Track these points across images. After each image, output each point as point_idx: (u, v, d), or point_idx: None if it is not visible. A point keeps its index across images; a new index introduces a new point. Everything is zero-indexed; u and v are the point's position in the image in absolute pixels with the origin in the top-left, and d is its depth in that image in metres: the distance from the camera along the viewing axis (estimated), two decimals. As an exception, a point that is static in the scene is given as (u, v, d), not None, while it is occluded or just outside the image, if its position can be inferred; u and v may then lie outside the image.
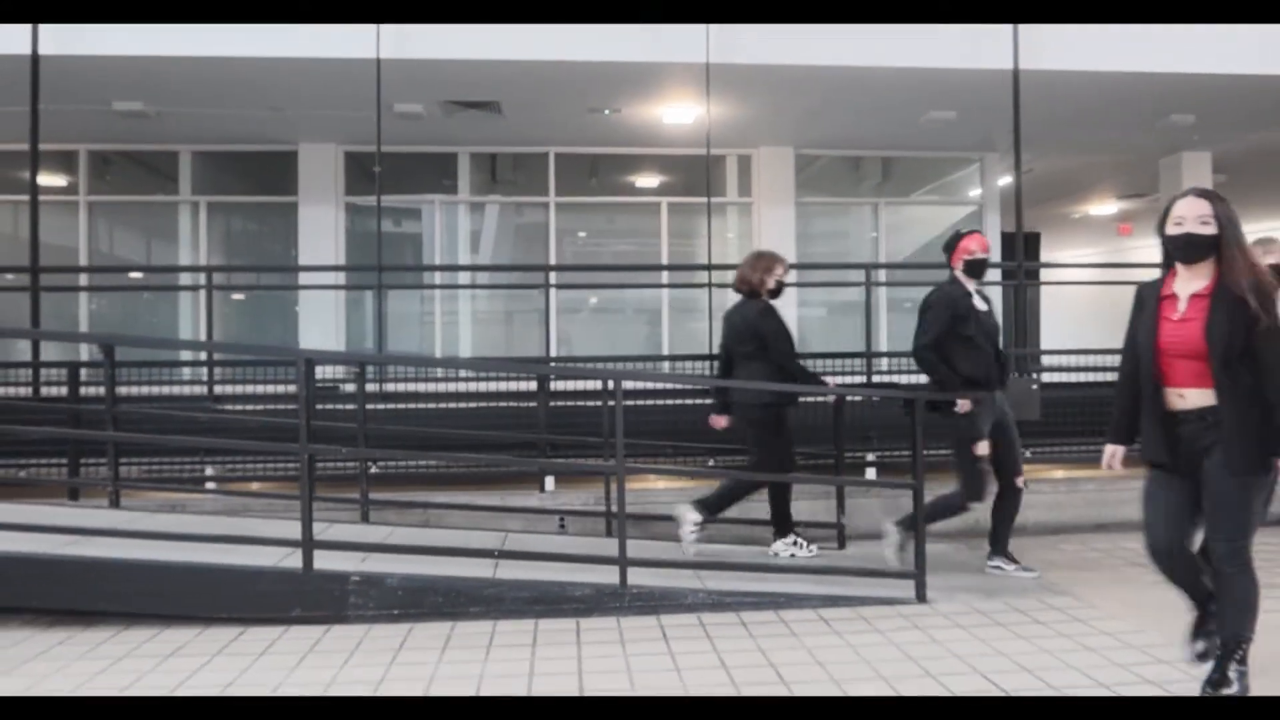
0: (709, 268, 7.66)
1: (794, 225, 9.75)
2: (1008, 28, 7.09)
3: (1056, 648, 3.46)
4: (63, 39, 6.63)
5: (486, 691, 3.09)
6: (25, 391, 6.39)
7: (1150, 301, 2.88)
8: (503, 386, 6.15)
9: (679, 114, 8.30)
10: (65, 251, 9.19)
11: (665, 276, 9.30)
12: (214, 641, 3.60)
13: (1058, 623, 3.76)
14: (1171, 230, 2.81)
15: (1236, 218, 2.83)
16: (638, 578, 3.99)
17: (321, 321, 9.13)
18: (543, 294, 7.17)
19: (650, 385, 6.12)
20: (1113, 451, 3.00)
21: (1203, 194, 2.86)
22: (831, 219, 10.63)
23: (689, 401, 6.22)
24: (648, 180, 10.17)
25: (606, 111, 8.33)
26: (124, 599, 3.77)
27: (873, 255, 10.24)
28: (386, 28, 6.65)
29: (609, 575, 3.95)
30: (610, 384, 4.51)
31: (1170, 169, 10.47)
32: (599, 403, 5.19)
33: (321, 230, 9.15)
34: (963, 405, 4.22)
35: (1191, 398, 2.77)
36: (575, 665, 3.34)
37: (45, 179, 9.29)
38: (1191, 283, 2.83)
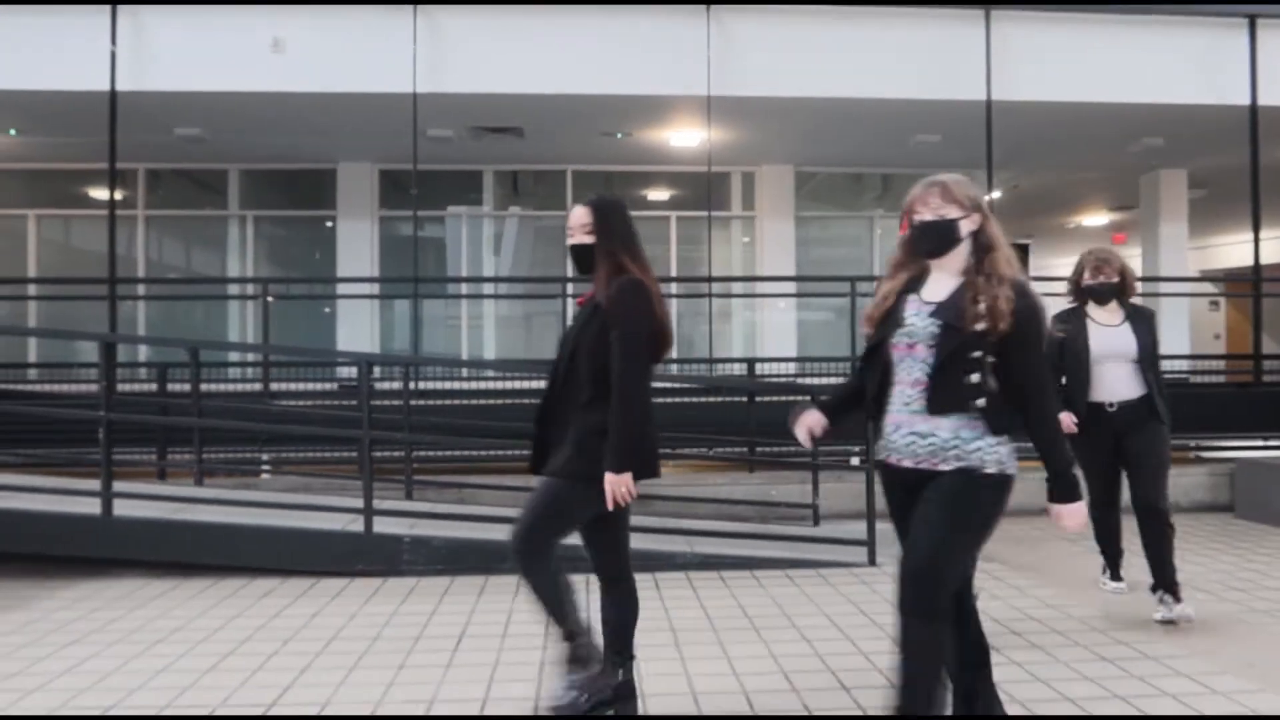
0: (709, 279, 8.54)
1: (793, 237, 10.61)
2: (982, 63, 7.93)
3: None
4: (136, 76, 7.58)
5: (514, 628, 3.97)
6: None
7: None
8: (524, 385, 7.06)
9: (685, 138, 9.18)
10: (124, 261, 10.18)
11: (675, 287, 10.16)
12: (295, 588, 4.52)
13: (980, 578, 4.62)
14: (567, 240, 2.92)
15: (623, 225, 2.83)
16: (639, 543, 4.85)
17: (356, 324, 10.05)
18: (560, 299, 8.09)
19: (654, 384, 6.99)
20: None
21: (586, 203, 2.88)
22: (831, 231, 11.46)
23: (690, 400, 7.18)
24: (658, 195, 11.05)
25: (619, 135, 9.23)
26: (221, 554, 4.70)
27: (869, 266, 11.07)
28: (421, 64, 7.57)
29: (614, 540, 4.83)
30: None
31: (1150, 184, 11.24)
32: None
33: (358, 241, 10.08)
34: None
35: None
36: (585, 610, 4.22)
37: (105, 193, 10.33)
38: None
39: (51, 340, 9.79)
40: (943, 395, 2.32)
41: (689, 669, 3.44)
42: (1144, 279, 10.93)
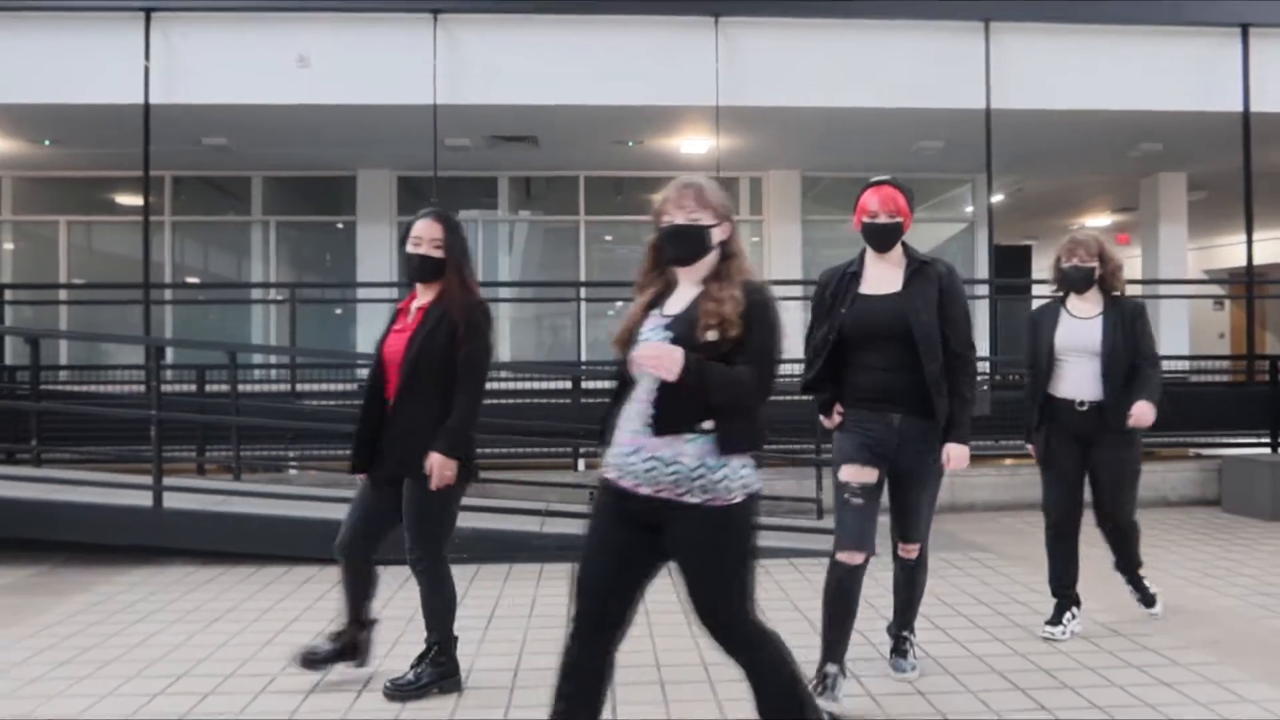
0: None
1: (800, 240, 10.96)
2: (982, 73, 8.25)
3: (966, 584, 4.67)
4: (167, 89, 7.96)
5: (539, 609, 4.33)
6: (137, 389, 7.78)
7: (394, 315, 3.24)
8: (540, 385, 7.43)
9: (694, 145, 9.53)
10: (152, 266, 10.59)
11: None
12: (332, 575, 4.80)
13: (973, 568, 4.98)
14: (410, 248, 3.15)
15: (464, 243, 3.14)
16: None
17: (374, 326, 10.39)
18: (574, 302, 8.46)
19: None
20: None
21: (436, 217, 3.14)
22: (837, 233, 11.80)
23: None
24: (668, 199, 11.39)
25: (630, 143, 9.59)
26: (262, 544, 5.07)
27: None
28: (441, 77, 7.93)
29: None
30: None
31: (1149, 188, 11.53)
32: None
33: (377, 246, 10.46)
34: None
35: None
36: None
37: (132, 200, 10.76)
38: (423, 296, 3.14)
39: (78, 342, 10.20)
40: (668, 414, 2.18)
41: (699, 643, 3.79)
42: (1144, 281, 11.31)
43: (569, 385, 7.04)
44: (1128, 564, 4.05)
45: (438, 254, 3.09)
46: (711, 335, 2.16)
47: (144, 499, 5.03)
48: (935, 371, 3.03)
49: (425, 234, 3.10)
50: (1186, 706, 3.06)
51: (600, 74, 8.15)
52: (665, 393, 2.17)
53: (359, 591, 3.28)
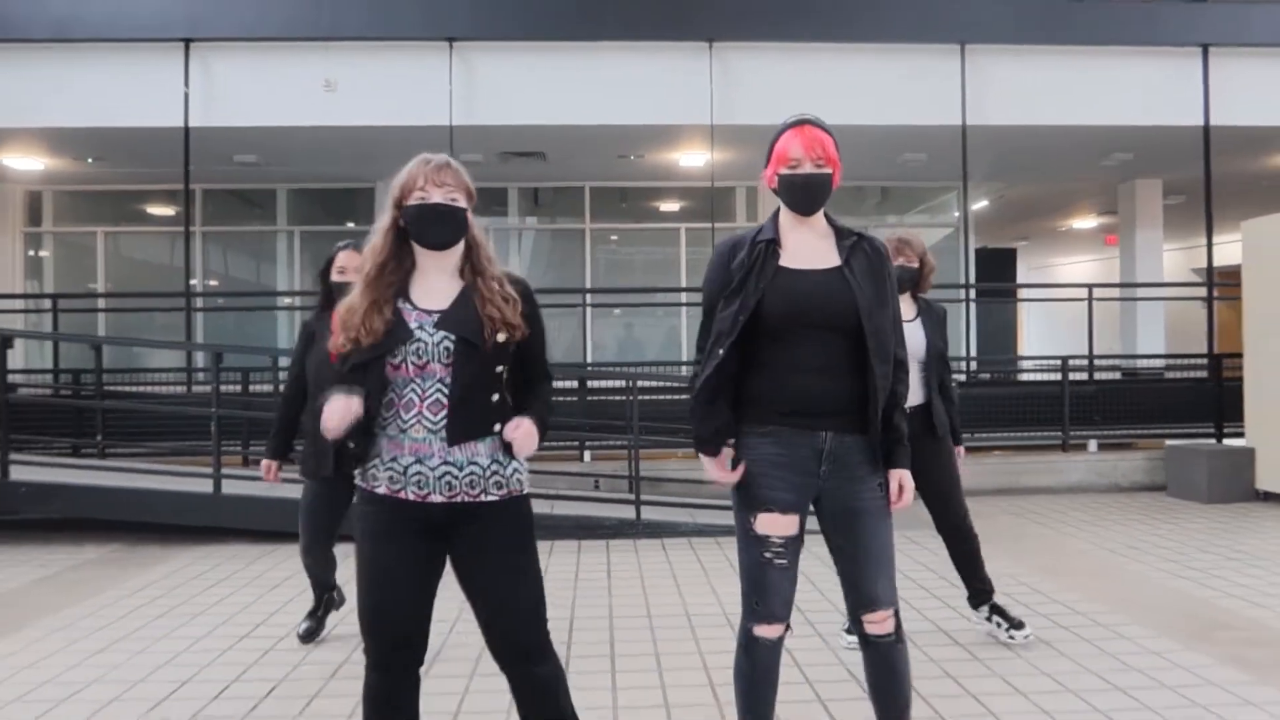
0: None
1: (793, 246, 11.69)
2: (958, 92, 8.99)
3: (926, 559, 5.43)
4: (204, 113, 8.75)
5: (549, 579, 5.11)
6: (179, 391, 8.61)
7: (322, 336, 3.46)
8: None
9: (692, 159, 10.30)
10: (182, 273, 11.40)
11: (685, 296, 11.27)
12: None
13: (931, 544, 5.74)
14: (335, 277, 3.53)
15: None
16: (648, 514, 6.04)
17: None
18: (580, 307, 9.22)
19: (661, 383, 8.13)
20: None
21: (356, 249, 3.41)
22: (827, 240, 12.54)
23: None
24: (668, 207, 12.17)
25: (632, 157, 10.36)
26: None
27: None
28: (456, 99, 8.70)
29: (628, 512, 6.00)
30: (629, 382, 6.54)
31: (1126, 193, 12.24)
32: (624, 397, 7.23)
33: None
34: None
35: None
36: (605, 566, 5.37)
37: (163, 210, 11.59)
38: None
39: (113, 346, 11.01)
40: (466, 420, 2.11)
41: (685, 601, 4.58)
42: (1123, 284, 12.04)
43: (575, 385, 7.81)
44: (974, 577, 3.88)
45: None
46: (502, 337, 2.12)
47: (205, 486, 5.84)
48: (887, 376, 2.35)
49: (349, 264, 3.45)
50: (1099, 658, 3.84)
51: (604, 95, 8.91)
52: (457, 403, 2.10)
53: (329, 573, 3.86)
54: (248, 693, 3.36)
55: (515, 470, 2.17)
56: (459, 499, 2.11)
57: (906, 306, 3.73)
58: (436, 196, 2.13)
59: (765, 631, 2.40)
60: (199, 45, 8.62)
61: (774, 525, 2.34)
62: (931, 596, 4.63)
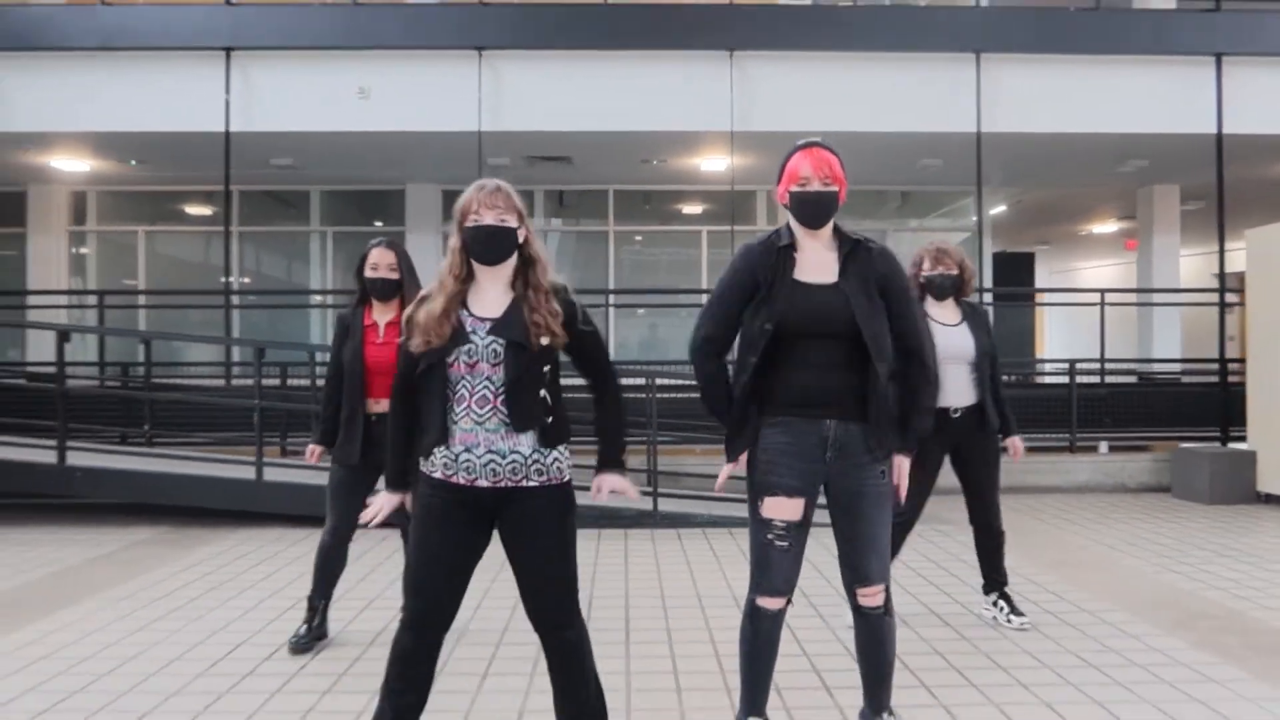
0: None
1: (812, 248, 11.99)
2: (974, 99, 9.25)
3: (929, 549, 5.73)
4: (244, 118, 9.17)
5: (632, 562, 5.46)
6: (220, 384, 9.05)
7: (356, 329, 3.73)
8: (572, 381, 8.55)
9: (713, 163, 10.61)
10: (219, 271, 11.88)
11: (706, 297, 11.61)
12: (394, 542, 6.04)
13: (935, 538, 6.03)
14: (369, 273, 3.70)
15: (411, 264, 3.71)
16: (665, 506, 6.37)
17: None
18: (604, 307, 9.58)
19: (679, 381, 8.45)
20: None
21: (388, 245, 3.70)
22: (846, 243, 12.82)
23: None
24: (690, 210, 12.50)
25: (655, 162, 10.70)
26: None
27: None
28: (485, 106, 9.08)
29: (646, 504, 6.34)
30: (649, 380, 6.88)
31: (1144, 198, 12.42)
32: (643, 395, 7.56)
33: (425, 254, 11.61)
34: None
35: None
36: (623, 553, 5.72)
37: (201, 210, 12.07)
38: (384, 313, 3.72)
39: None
40: (521, 413, 2.41)
41: (697, 584, 4.92)
42: (1135, 290, 12.23)
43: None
44: (993, 569, 4.21)
45: (393, 276, 3.69)
46: (545, 341, 2.42)
47: (247, 473, 6.24)
48: (885, 373, 2.62)
49: (381, 260, 3.69)
50: (1080, 640, 4.14)
51: (627, 102, 9.24)
52: (515, 396, 2.41)
53: (335, 567, 3.95)
54: (283, 667, 3.73)
55: (555, 460, 2.45)
56: (503, 484, 2.40)
57: (950, 312, 4.01)
58: (489, 219, 2.42)
59: (767, 603, 2.70)
60: (239, 54, 9.04)
61: (779, 509, 2.62)
62: (928, 584, 4.93)
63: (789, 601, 2.72)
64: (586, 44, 9.25)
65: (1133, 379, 10.51)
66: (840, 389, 2.62)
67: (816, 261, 2.68)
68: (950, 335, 3.95)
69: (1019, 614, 4.18)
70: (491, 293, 2.47)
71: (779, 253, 2.68)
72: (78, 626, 4.13)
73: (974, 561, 4.38)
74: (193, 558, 5.48)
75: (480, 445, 2.40)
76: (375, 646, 3.87)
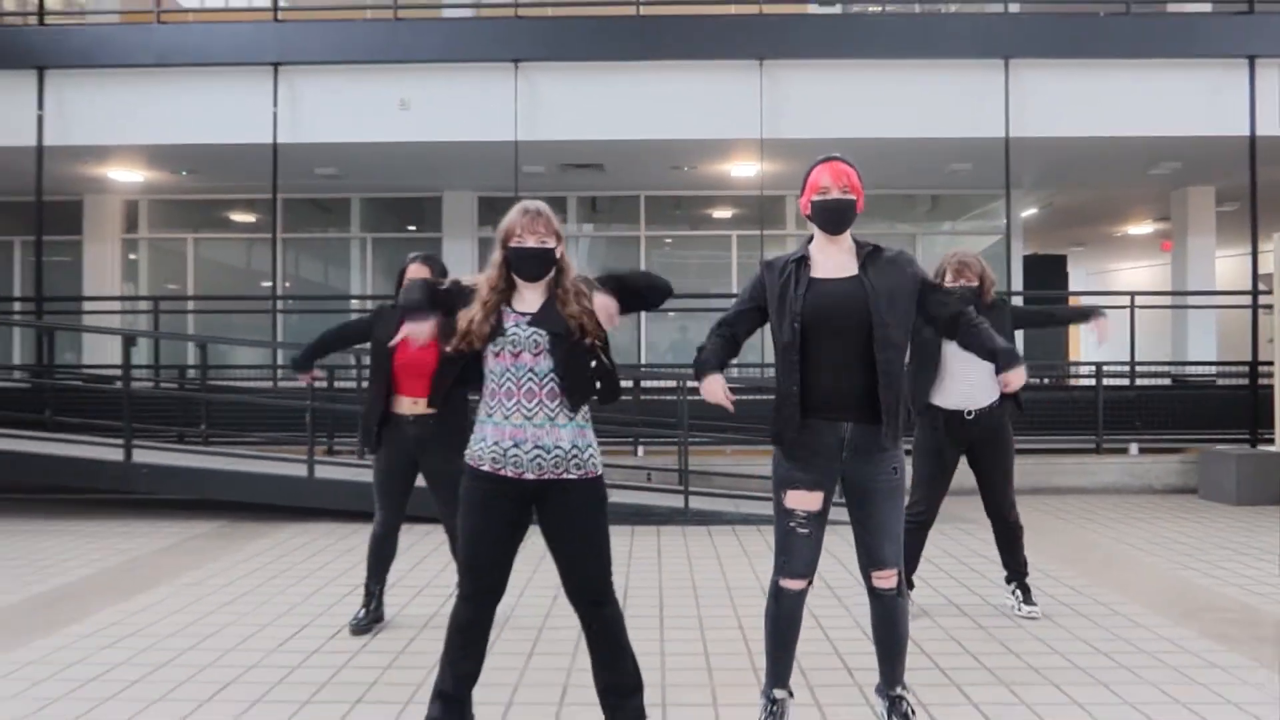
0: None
1: (842, 252, 12.24)
2: (1000, 105, 9.46)
3: (950, 545, 5.99)
4: (290, 130, 9.62)
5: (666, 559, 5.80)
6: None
7: (391, 327, 3.81)
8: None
9: (743, 169, 10.91)
10: (263, 276, 12.39)
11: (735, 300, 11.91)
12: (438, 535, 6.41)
13: (956, 535, 6.29)
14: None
15: (445, 271, 4.07)
16: (696, 504, 6.70)
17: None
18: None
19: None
20: None
21: (424, 260, 4.18)
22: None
23: (742, 398, 8.93)
24: (721, 214, 12.80)
25: (685, 168, 11.02)
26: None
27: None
28: (521, 116, 9.45)
29: (678, 501, 6.67)
30: (680, 383, 7.21)
31: (1179, 200, 12.51)
32: (674, 397, 7.90)
33: (461, 259, 12.06)
34: None
35: None
36: (655, 548, 6.04)
37: (245, 218, 12.58)
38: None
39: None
40: (576, 391, 2.76)
41: (726, 576, 5.23)
42: (1166, 293, 12.34)
43: (630, 384, 8.49)
44: (1014, 561, 4.50)
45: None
46: (585, 337, 2.78)
47: (299, 470, 6.65)
48: (887, 362, 2.85)
49: (418, 274, 4.07)
50: (1091, 629, 4.40)
51: (659, 111, 9.58)
52: (568, 378, 2.74)
53: (389, 560, 4.30)
54: (346, 645, 4.10)
55: (591, 455, 2.78)
56: (546, 476, 2.72)
57: None
58: (531, 242, 2.77)
59: (790, 585, 3.00)
60: (286, 69, 9.50)
61: (800, 500, 2.93)
62: (949, 577, 5.21)
63: (809, 583, 3.02)
64: (619, 55, 9.59)
65: (1166, 382, 10.63)
66: (859, 393, 2.87)
67: (836, 264, 2.95)
68: None
69: (1031, 604, 4.44)
70: (531, 295, 2.82)
71: (795, 263, 2.97)
72: (156, 609, 4.53)
73: (993, 556, 4.69)
74: (252, 549, 5.89)
75: (528, 441, 2.70)
76: (428, 629, 4.23)
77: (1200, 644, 4.02)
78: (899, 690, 3.07)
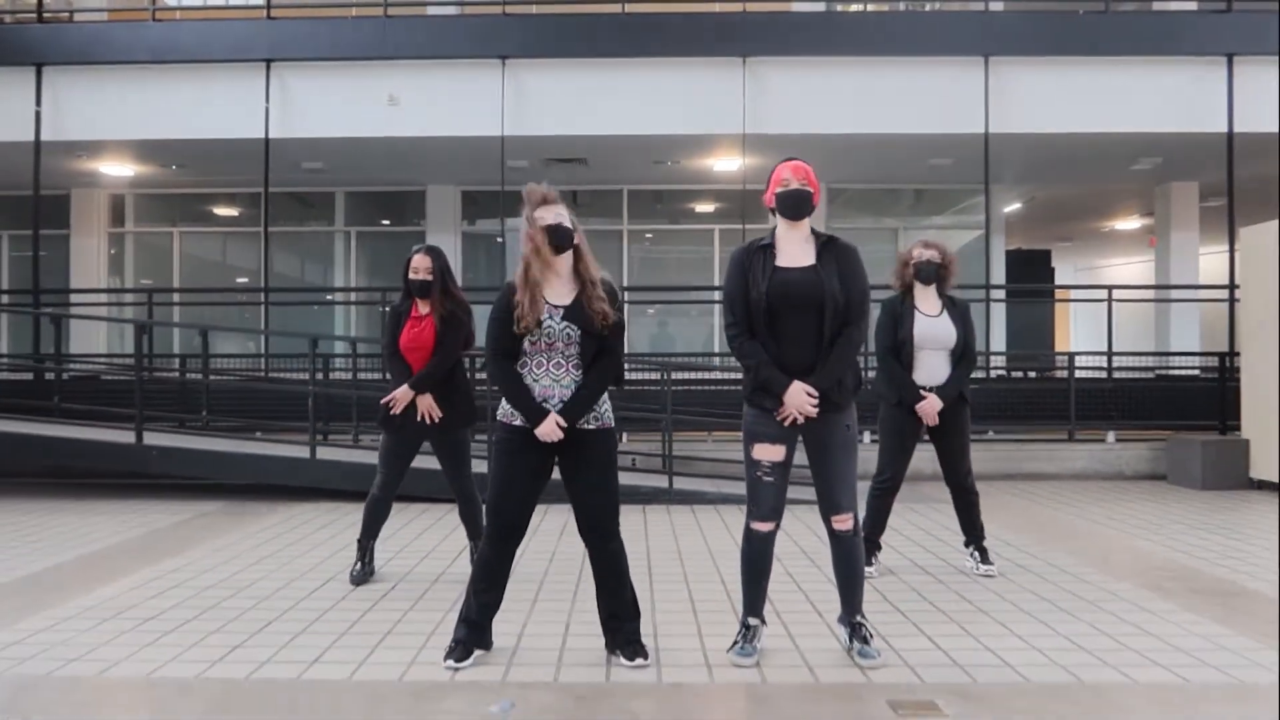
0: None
1: (826, 246, 12.96)
2: (980, 100, 10.16)
3: (920, 520, 6.69)
4: (281, 126, 10.23)
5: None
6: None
7: (404, 318, 4.74)
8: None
9: (725, 164, 11.59)
10: (246, 271, 13.00)
11: (718, 294, 12.59)
12: (434, 508, 7.06)
13: (927, 513, 7.00)
14: (411, 275, 4.64)
15: (447, 264, 4.68)
16: (679, 484, 7.38)
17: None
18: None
19: (692, 375, 9.46)
20: None
21: (427, 252, 4.68)
22: (859, 242, 13.75)
23: (726, 385, 9.63)
24: (703, 208, 13.48)
25: (668, 163, 11.70)
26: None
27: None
28: (506, 112, 10.09)
29: (661, 481, 7.36)
30: (664, 374, 7.91)
31: (1162, 196, 13.27)
32: (659, 387, 8.56)
33: (445, 251, 12.70)
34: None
35: None
36: (643, 523, 6.71)
37: (228, 211, 13.18)
38: (426, 306, 4.70)
39: (179, 332, 12.61)
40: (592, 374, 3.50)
41: (709, 544, 5.91)
42: (1145, 286, 13.08)
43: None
44: (970, 526, 5.16)
45: (429, 278, 4.64)
46: (604, 328, 3.47)
47: (301, 451, 7.30)
48: (840, 334, 3.51)
49: (421, 265, 4.65)
50: (1054, 591, 5.11)
51: (643, 107, 10.24)
52: (589, 366, 3.46)
53: (378, 521, 4.94)
54: (369, 594, 4.74)
55: (605, 411, 3.52)
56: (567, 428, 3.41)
57: (933, 303, 4.92)
58: (549, 218, 3.45)
59: (759, 527, 3.66)
60: (278, 65, 10.12)
61: (765, 452, 3.59)
62: (914, 544, 5.91)
63: (776, 526, 3.67)
64: (604, 52, 10.24)
65: (1145, 374, 11.34)
66: (812, 359, 3.50)
67: (796, 252, 3.58)
68: (933, 324, 4.90)
69: (988, 563, 5.14)
70: (558, 284, 3.46)
71: (761, 250, 3.60)
72: (190, 568, 5.18)
73: (958, 529, 5.35)
74: (264, 523, 6.53)
75: (555, 398, 3.42)
76: (439, 584, 4.88)
77: (1138, 594, 4.70)
78: (859, 618, 3.73)
